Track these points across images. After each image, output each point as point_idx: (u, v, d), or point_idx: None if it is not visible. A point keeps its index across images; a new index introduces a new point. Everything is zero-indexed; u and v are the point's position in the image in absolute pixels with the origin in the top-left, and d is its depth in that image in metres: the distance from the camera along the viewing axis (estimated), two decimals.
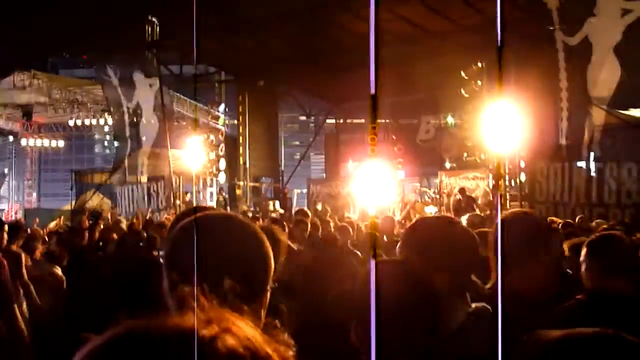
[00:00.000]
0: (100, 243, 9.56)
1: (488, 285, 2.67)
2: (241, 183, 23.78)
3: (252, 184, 24.53)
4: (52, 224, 14.14)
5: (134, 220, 13.81)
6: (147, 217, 15.58)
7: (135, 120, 20.83)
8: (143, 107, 20.31)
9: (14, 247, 7.31)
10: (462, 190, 18.80)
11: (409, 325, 1.82)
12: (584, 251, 3.25)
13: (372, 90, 0.69)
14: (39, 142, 33.71)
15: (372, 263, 0.73)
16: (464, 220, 8.11)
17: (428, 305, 1.89)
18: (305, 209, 14.27)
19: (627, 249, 3.21)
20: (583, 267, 3.22)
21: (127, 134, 21.22)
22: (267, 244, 1.71)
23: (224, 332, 0.75)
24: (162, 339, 0.74)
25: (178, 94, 23.65)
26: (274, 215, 18.37)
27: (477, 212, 14.47)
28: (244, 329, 0.78)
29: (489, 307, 2.29)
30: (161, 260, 1.72)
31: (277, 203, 22.05)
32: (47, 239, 9.56)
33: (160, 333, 0.74)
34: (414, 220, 2.63)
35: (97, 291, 5.60)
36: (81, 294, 5.55)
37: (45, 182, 44.44)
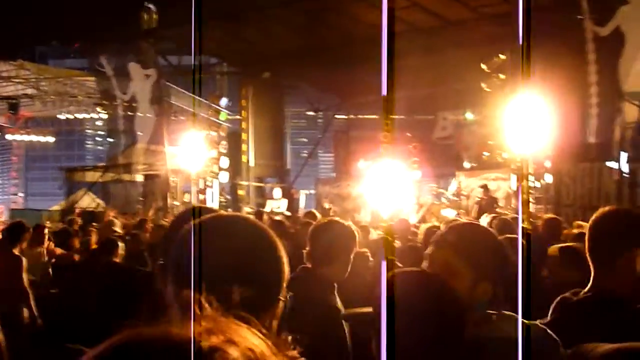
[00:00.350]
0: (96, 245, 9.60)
1: (586, 290, 2.73)
2: (244, 183, 23.82)
3: (255, 184, 24.55)
4: None
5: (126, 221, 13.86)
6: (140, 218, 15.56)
7: (129, 113, 20.88)
8: (139, 99, 20.36)
9: (16, 251, 7.38)
10: (484, 187, 18.75)
11: (432, 335, 1.84)
12: None
13: (384, 92, 0.69)
14: (26, 138, 33.84)
15: (384, 268, 0.73)
16: (484, 221, 8.09)
17: (452, 316, 1.90)
18: (314, 210, 14.25)
19: None
20: None
21: (122, 128, 21.27)
22: (281, 247, 1.67)
23: (226, 343, 0.76)
24: (161, 349, 0.74)
25: (176, 87, 23.68)
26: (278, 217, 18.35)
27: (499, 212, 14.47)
28: (250, 340, 0.78)
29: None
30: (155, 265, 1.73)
31: (285, 202, 22.01)
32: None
33: (159, 343, 0.75)
34: (454, 224, 2.63)
35: (80, 301, 5.68)
36: (65, 303, 5.61)
37: (32, 180, 44.58)
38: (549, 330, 2.28)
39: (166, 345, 0.75)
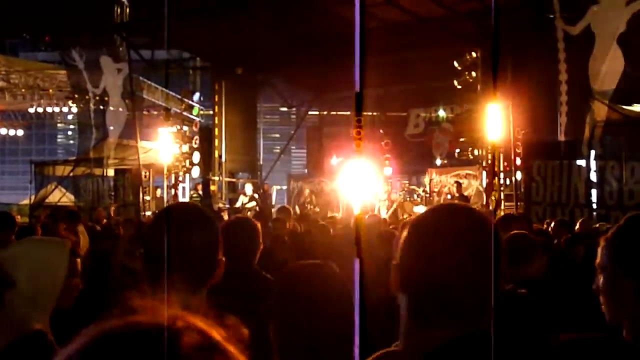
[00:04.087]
0: None
1: None
2: (216, 178, 23.74)
3: (227, 179, 24.48)
4: None
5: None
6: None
7: (101, 107, 20.72)
8: (110, 93, 20.21)
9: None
10: (457, 184, 18.88)
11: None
12: None
13: (357, 88, 0.69)
14: None
15: (357, 262, 0.73)
16: None
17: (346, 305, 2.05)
18: (287, 205, 14.23)
19: None
20: None
21: (93, 122, 21.10)
22: (214, 232, 1.92)
23: (189, 329, 0.80)
24: (134, 338, 0.78)
25: (149, 81, 23.53)
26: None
27: None
28: (205, 326, 0.84)
29: None
30: None
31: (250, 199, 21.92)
32: None
33: (132, 333, 0.79)
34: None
35: None
36: None
37: (1, 174, 44.12)
38: None
39: (138, 334, 0.78)
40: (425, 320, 1.59)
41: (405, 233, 1.67)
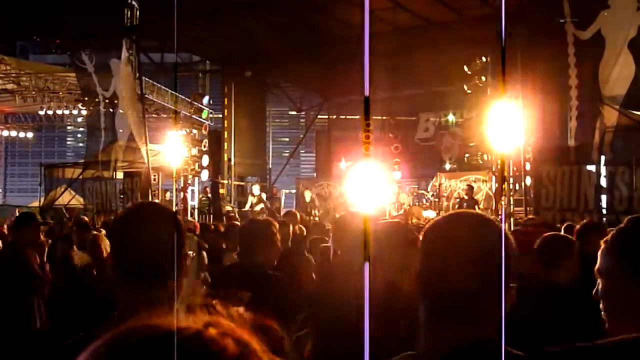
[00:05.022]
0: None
1: None
2: (225, 181, 23.76)
3: (236, 182, 24.51)
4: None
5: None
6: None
7: (111, 110, 20.76)
8: (120, 96, 20.25)
9: None
10: (469, 189, 18.82)
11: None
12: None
13: (366, 92, 0.69)
14: (5, 133, 33.56)
15: (366, 266, 0.73)
16: None
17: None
18: (294, 210, 14.23)
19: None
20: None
21: (102, 125, 21.14)
22: (173, 232, 2.02)
23: (204, 326, 0.79)
24: (158, 340, 0.76)
25: (158, 84, 23.59)
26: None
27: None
28: (229, 325, 0.82)
29: None
30: None
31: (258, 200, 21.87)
32: None
33: (160, 334, 0.77)
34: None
35: None
36: None
37: (11, 176, 44.26)
38: None
39: (163, 335, 0.76)
40: (442, 324, 1.63)
41: (420, 239, 1.71)
